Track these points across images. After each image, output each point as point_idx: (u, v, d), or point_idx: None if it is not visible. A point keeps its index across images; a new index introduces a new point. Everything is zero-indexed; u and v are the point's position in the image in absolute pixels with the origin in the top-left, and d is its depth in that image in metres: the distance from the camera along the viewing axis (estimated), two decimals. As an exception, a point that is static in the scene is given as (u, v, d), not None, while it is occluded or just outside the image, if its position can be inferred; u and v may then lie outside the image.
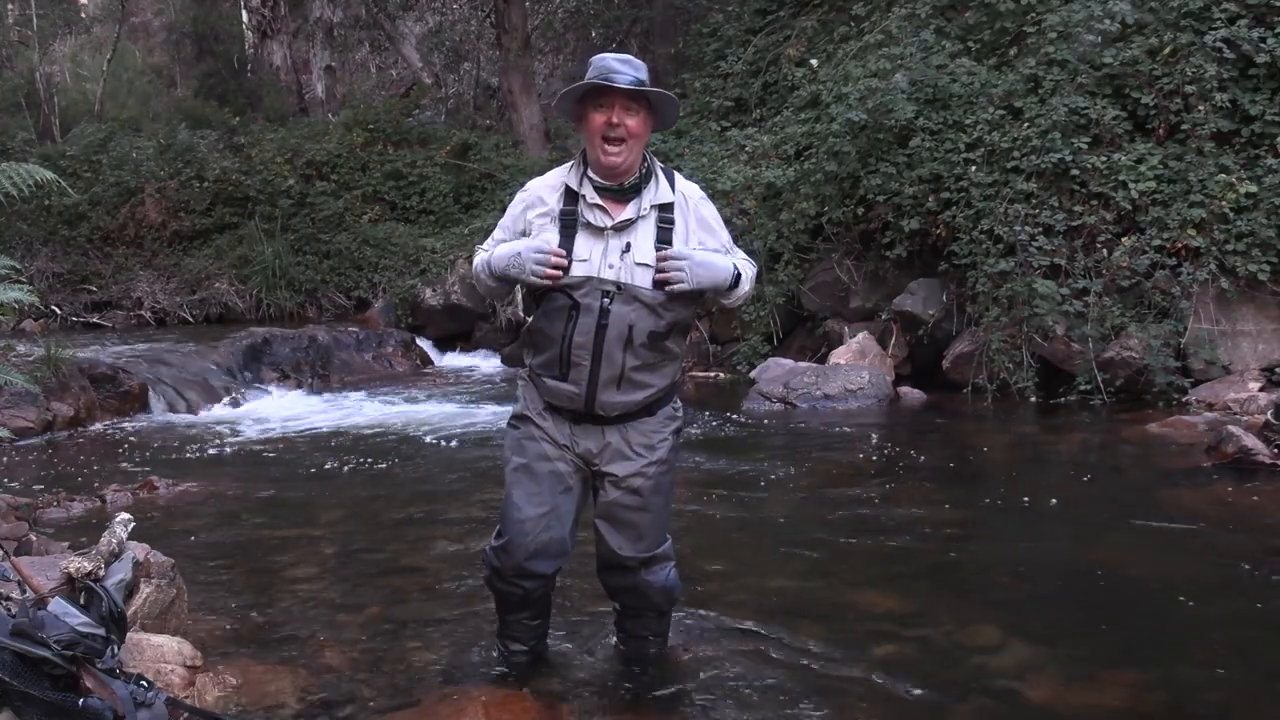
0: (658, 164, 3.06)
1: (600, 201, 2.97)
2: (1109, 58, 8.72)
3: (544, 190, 3.06)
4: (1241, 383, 7.87)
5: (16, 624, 2.56)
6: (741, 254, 3.18)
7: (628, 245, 2.94)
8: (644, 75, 2.93)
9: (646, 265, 2.93)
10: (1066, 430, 7.60)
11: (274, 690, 3.24)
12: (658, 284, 2.93)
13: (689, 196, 3.06)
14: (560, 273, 2.90)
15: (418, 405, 9.37)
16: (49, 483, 6.32)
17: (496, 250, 3.04)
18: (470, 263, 3.26)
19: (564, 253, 2.91)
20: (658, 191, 3.01)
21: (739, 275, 3.03)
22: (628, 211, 2.97)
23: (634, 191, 2.98)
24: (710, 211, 3.11)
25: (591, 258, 2.93)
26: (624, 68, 2.90)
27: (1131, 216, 8.41)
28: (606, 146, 2.92)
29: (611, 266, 2.93)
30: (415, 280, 13.36)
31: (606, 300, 2.91)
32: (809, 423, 7.93)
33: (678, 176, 3.11)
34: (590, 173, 2.99)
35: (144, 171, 15.28)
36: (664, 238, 2.97)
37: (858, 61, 10.56)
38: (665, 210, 3.00)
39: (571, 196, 3.00)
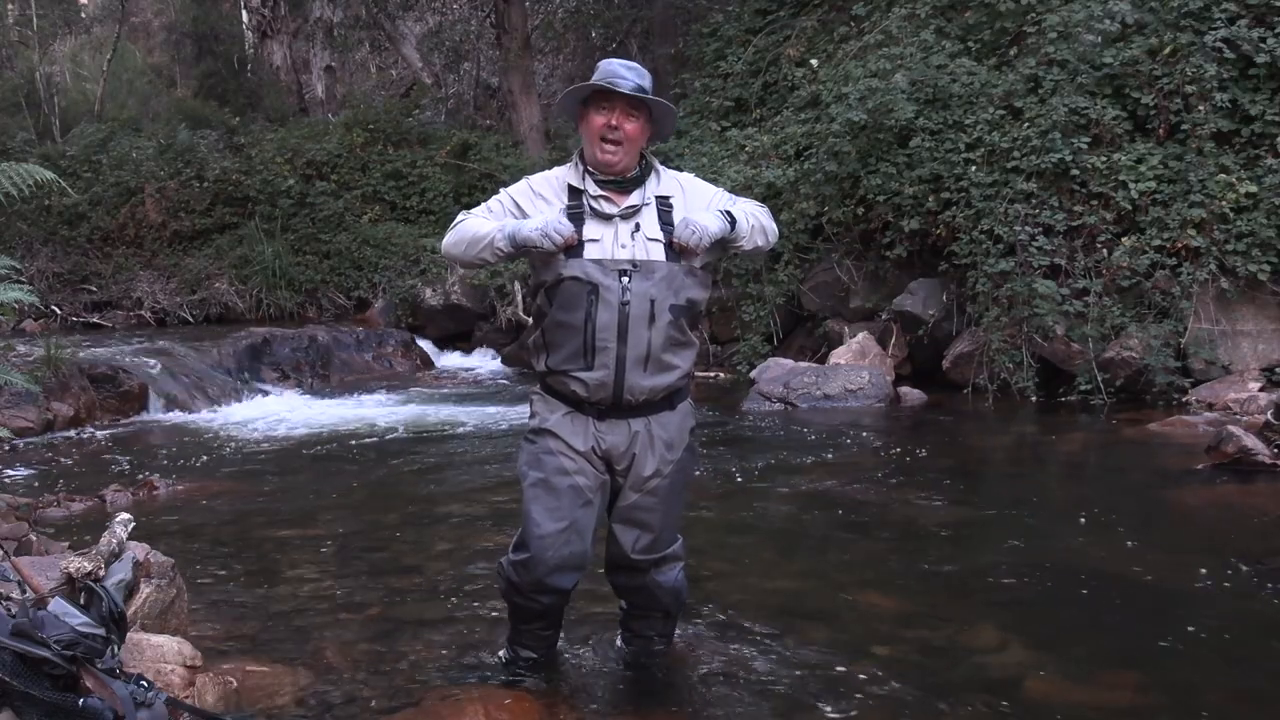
0: (655, 162, 3.14)
1: (604, 193, 3.03)
2: (1109, 58, 8.72)
3: (544, 188, 3.10)
4: (1241, 383, 7.87)
5: (17, 624, 2.55)
6: (743, 199, 3.22)
7: (637, 225, 3.01)
8: (647, 83, 3.01)
9: (657, 240, 2.99)
10: (1066, 430, 7.60)
11: (274, 690, 3.24)
12: (679, 251, 2.97)
13: (682, 184, 3.16)
14: (570, 239, 2.93)
15: (418, 405, 9.37)
16: (49, 483, 6.32)
17: (517, 224, 3.00)
18: None
19: (575, 232, 2.96)
20: (659, 184, 3.09)
21: (733, 218, 3.06)
22: (632, 199, 3.04)
23: (635, 184, 3.05)
24: (701, 186, 3.19)
25: (603, 240, 2.98)
26: (628, 73, 2.98)
27: (1131, 216, 8.41)
28: (605, 146, 2.99)
29: (624, 246, 2.98)
30: (415, 280, 13.37)
31: (625, 279, 2.94)
32: (809, 423, 7.93)
33: (669, 170, 3.20)
34: (590, 169, 3.05)
35: (144, 171, 15.27)
36: (666, 220, 3.04)
37: (858, 61, 10.56)
38: (664, 200, 3.08)
39: (575, 192, 3.05)
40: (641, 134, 3.02)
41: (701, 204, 3.12)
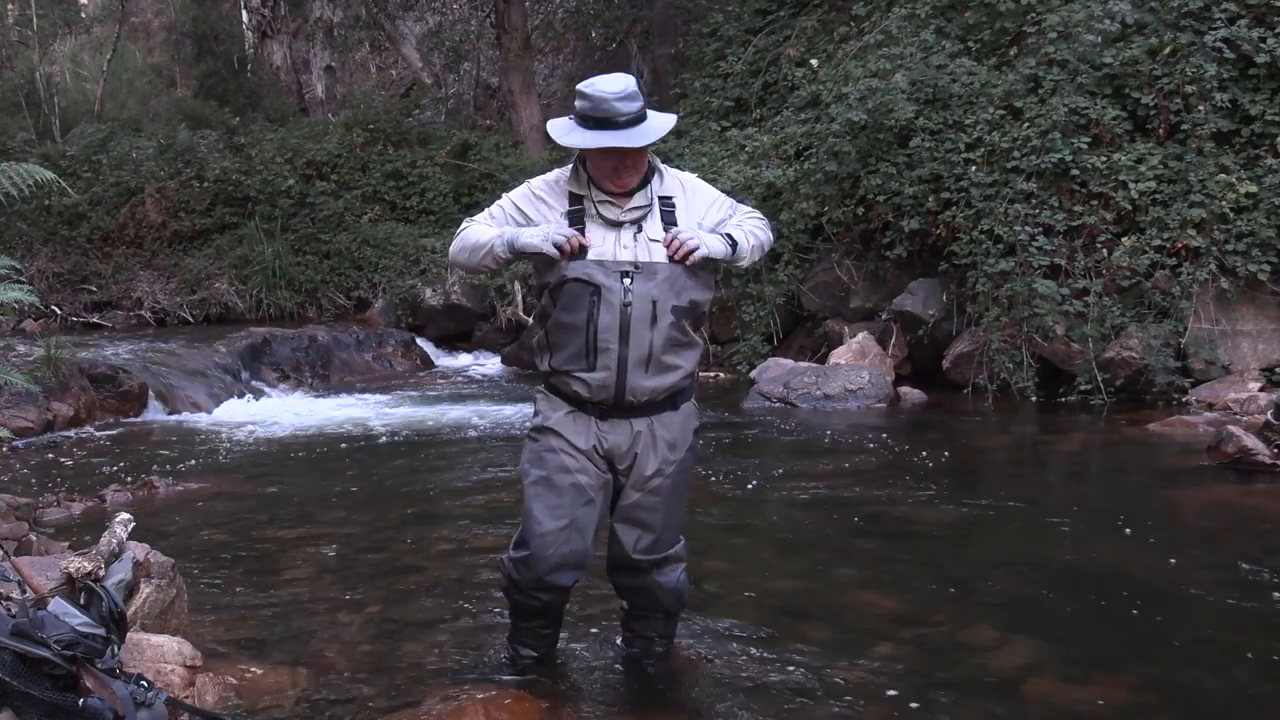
0: (657, 160, 3.13)
1: (609, 199, 3.03)
2: (1109, 58, 8.72)
3: (545, 191, 3.12)
4: (1241, 383, 7.87)
5: (17, 624, 2.55)
6: (745, 209, 3.25)
7: (640, 227, 3.02)
8: (640, 100, 2.95)
9: (658, 241, 3.00)
10: (1066, 430, 7.60)
11: (274, 690, 3.24)
12: (676, 259, 2.99)
13: (684, 183, 3.17)
14: (575, 245, 2.95)
15: (417, 405, 9.37)
16: (49, 483, 6.32)
17: (516, 230, 3.04)
18: None
19: (586, 240, 2.97)
20: (662, 185, 3.10)
21: (734, 241, 3.08)
22: (636, 201, 3.04)
23: (639, 187, 3.05)
24: (702, 188, 3.20)
25: (605, 244, 2.99)
26: (623, 104, 2.92)
27: (1131, 216, 8.41)
28: (617, 181, 3.00)
29: (626, 248, 2.99)
30: (415, 280, 13.37)
31: (627, 280, 2.96)
32: (809, 423, 7.93)
33: (671, 169, 3.21)
34: (594, 180, 3.05)
35: (144, 171, 15.28)
36: (669, 220, 3.05)
37: (858, 61, 10.55)
38: (667, 200, 3.09)
39: (577, 197, 3.06)
40: (646, 152, 3.02)
41: (703, 206, 3.13)
